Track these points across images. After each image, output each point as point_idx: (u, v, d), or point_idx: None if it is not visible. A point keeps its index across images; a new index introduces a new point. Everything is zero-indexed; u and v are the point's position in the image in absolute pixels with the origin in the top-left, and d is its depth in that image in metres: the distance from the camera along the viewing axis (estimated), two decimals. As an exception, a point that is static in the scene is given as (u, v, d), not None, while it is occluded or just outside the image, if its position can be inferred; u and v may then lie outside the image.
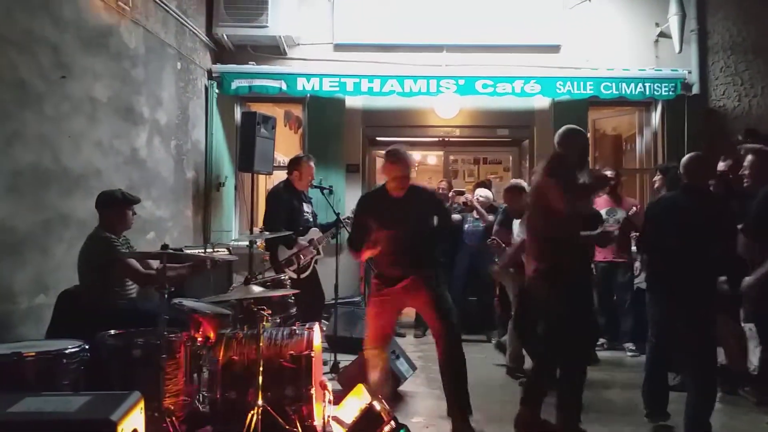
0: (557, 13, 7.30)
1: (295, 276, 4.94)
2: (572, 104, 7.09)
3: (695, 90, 7.17)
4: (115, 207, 3.89)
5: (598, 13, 7.32)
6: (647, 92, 6.94)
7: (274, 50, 7.19)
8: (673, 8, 7.01)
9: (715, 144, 6.40)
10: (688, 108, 7.05)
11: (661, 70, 7.11)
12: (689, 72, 7.15)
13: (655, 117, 7.40)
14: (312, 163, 5.44)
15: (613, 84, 6.93)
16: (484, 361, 5.55)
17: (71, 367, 2.90)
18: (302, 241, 5.12)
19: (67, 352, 2.89)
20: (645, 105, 7.46)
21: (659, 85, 6.97)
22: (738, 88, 7.23)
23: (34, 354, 2.80)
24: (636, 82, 6.94)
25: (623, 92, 6.92)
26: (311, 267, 5.22)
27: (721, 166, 4.94)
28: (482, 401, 4.21)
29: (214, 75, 6.96)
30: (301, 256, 5.04)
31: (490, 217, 6.18)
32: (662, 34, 7.27)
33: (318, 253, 5.29)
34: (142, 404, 2.40)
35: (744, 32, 7.25)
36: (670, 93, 6.98)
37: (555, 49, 7.33)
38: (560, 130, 3.69)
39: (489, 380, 4.85)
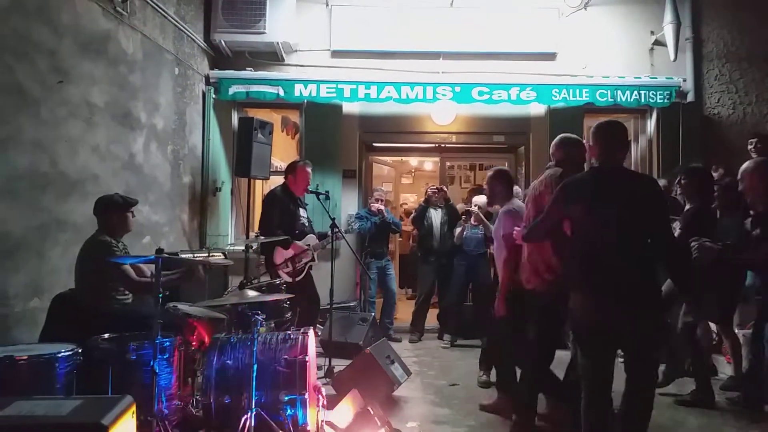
0: (553, 21, 7.35)
1: (289, 279, 4.96)
2: (568, 111, 7.12)
3: (690, 98, 7.22)
4: (117, 211, 3.90)
5: (594, 21, 7.38)
6: (642, 100, 6.98)
7: (271, 56, 7.22)
8: (669, 17, 7.06)
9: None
10: (683, 116, 7.09)
11: (656, 78, 7.16)
12: (684, 80, 7.20)
13: (650, 124, 7.44)
14: (309, 169, 5.48)
15: (609, 91, 6.97)
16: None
17: (64, 370, 2.90)
18: (299, 244, 5.14)
19: (60, 355, 2.89)
20: (640, 112, 7.50)
21: (654, 92, 7.01)
22: (732, 96, 7.28)
23: (26, 357, 2.80)
24: (631, 89, 6.98)
25: (618, 99, 6.95)
26: (305, 271, 5.23)
27: (714, 176, 4.98)
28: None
29: (211, 80, 6.97)
30: (296, 259, 5.07)
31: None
32: (657, 42, 7.32)
33: (313, 259, 5.31)
34: (134, 408, 2.39)
35: (738, 41, 7.31)
36: (665, 101, 7.02)
37: (551, 56, 7.38)
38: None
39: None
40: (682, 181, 4.40)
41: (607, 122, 3.09)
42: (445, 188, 6.95)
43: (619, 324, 2.76)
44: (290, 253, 5.10)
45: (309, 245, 5.23)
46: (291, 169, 5.40)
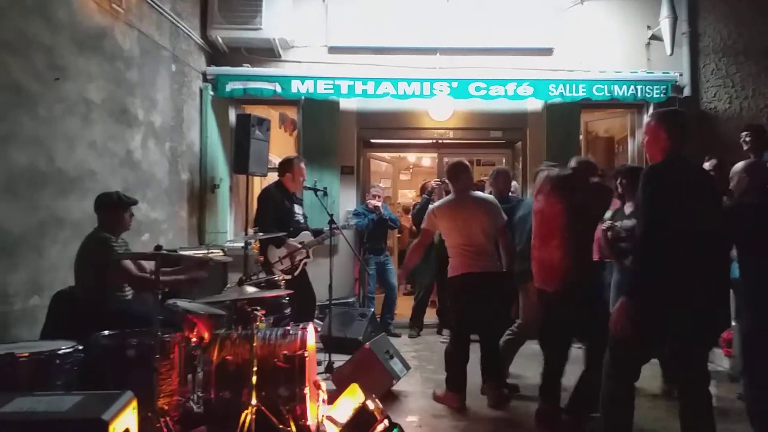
0: (550, 16, 7.35)
1: (286, 276, 4.97)
2: (564, 106, 7.14)
3: (686, 92, 7.23)
4: (113, 209, 3.90)
5: (591, 16, 7.38)
6: (639, 94, 6.99)
7: (268, 52, 7.21)
8: (665, 11, 7.07)
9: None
10: (679, 110, 7.09)
11: (652, 73, 7.17)
12: (680, 74, 7.21)
13: (647, 119, 7.43)
14: (303, 164, 5.47)
15: (605, 86, 6.98)
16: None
17: (65, 367, 2.90)
18: (293, 243, 5.14)
19: (60, 352, 2.89)
20: (637, 107, 7.51)
21: (651, 87, 7.02)
22: (729, 90, 7.29)
23: (27, 354, 2.80)
24: (628, 84, 6.99)
25: (615, 94, 6.97)
26: (300, 268, 5.23)
27: (706, 165, 4.97)
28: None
29: (208, 77, 6.96)
30: (292, 257, 5.07)
31: None
32: (654, 37, 7.33)
33: (307, 256, 5.31)
34: (134, 404, 2.40)
35: (735, 35, 7.32)
36: (662, 95, 7.03)
37: (547, 51, 7.38)
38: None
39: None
40: (623, 181, 4.39)
41: (674, 110, 3.14)
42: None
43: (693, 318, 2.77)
44: (283, 251, 5.11)
45: (303, 242, 5.24)
46: (288, 167, 5.38)
